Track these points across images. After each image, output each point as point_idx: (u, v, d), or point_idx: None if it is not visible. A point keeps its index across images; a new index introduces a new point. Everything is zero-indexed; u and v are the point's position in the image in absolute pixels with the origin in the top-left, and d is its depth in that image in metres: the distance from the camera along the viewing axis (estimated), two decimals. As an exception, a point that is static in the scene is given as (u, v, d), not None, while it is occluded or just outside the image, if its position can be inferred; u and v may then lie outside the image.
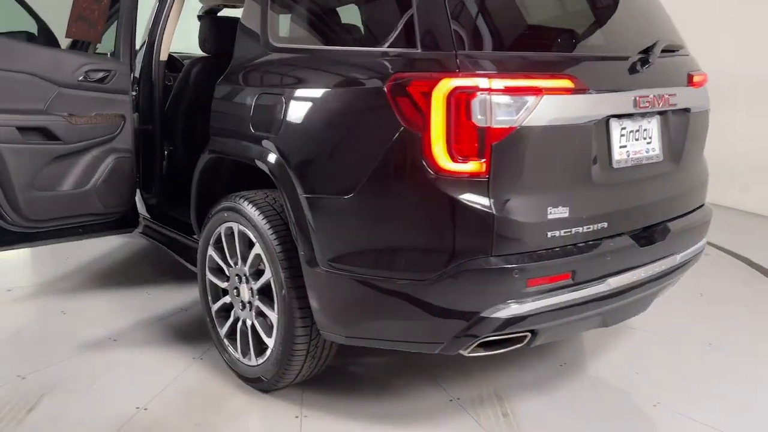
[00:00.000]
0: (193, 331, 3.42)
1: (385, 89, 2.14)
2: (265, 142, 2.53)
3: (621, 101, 2.32)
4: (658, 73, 2.50)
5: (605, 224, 2.29)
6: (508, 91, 2.06)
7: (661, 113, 2.53)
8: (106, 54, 3.52)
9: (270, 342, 2.68)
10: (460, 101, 2.03)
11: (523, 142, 2.10)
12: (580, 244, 2.24)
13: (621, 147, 2.37)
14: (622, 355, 3.21)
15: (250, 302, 2.79)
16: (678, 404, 2.79)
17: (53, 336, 3.37)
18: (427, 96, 2.06)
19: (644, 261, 2.43)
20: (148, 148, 3.70)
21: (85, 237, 3.53)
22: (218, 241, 2.97)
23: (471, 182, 2.08)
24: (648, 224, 2.48)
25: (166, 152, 3.84)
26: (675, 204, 2.62)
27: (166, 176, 3.88)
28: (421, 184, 2.10)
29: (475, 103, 2.03)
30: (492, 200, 2.08)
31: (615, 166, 2.35)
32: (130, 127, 3.45)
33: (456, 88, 2.04)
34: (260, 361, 2.75)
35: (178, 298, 3.84)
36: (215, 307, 3.02)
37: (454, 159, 2.06)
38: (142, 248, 4.76)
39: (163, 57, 3.74)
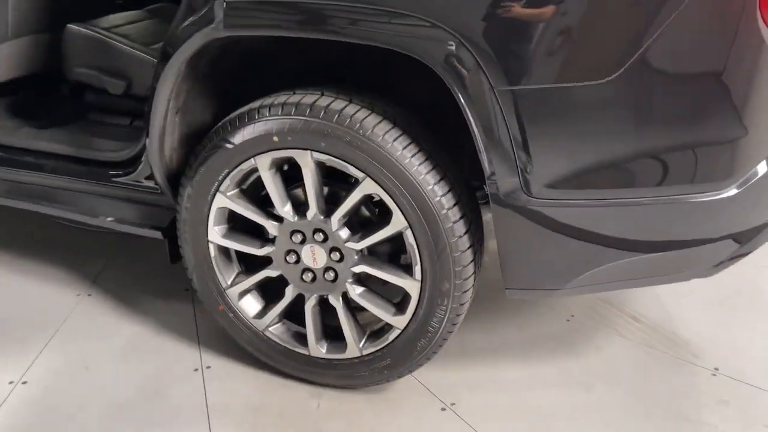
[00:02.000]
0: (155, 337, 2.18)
1: None
2: (407, 10, 1.44)
3: None
4: None
5: None
6: None
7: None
8: None
9: (400, 320, 1.75)
10: None
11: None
12: None
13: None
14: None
15: (332, 269, 1.76)
16: None
17: None
18: None
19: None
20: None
21: None
22: (241, 182, 1.78)
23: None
24: None
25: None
26: None
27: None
28: (746, 50, 1.38)
29: None
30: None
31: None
32: None
33: None
34: (371, 349, 1.81)
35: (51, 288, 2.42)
36: (239, 286, 1.88)
37: None
38: None
39: None
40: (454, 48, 1.42)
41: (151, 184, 1.96)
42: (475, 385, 1.96)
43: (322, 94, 1.65)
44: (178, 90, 1.76)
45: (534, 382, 1.98)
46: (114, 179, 2.03)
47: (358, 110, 1.60)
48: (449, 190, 1.61)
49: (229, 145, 1.70)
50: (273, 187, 1.72)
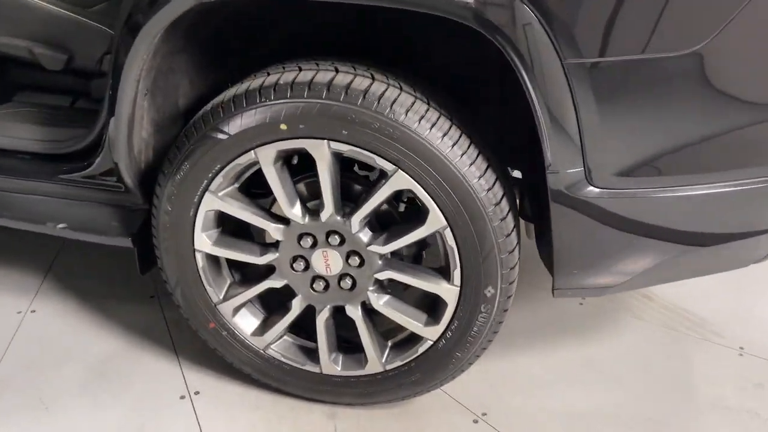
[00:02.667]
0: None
1: None
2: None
3: None
4: None
5: None
6: None
7: None
8: None
9: (433, 331, 1.51)
10: None
11: None
12: None
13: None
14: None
15: (349, 276, 1.50)
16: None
17: None
18: None
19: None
20: None
21: None
22: (236, 179, 1.47)
23: None
24: None
25: None
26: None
27: None
28: None
29: None
30: None
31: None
32: None
33: None
34: (397, 363, 1.57)
35: None
36: (234, 301, 1.58)
37: None
38: None
39: None
40: (518, 13, 1.17)
41: (111, 180, 1.62)
42: (503, 389, 1.77)
43: (337, 71, 1.36)
44: (149, 67, 1.42)
45: (562, 379, 1.82)
46: (62, 176, 1.66)
47: (386, 89, 1.32)
48: (495, 182, 1.38)
49: (221, 136, 1.39)
50: (279, 184, 1.42)
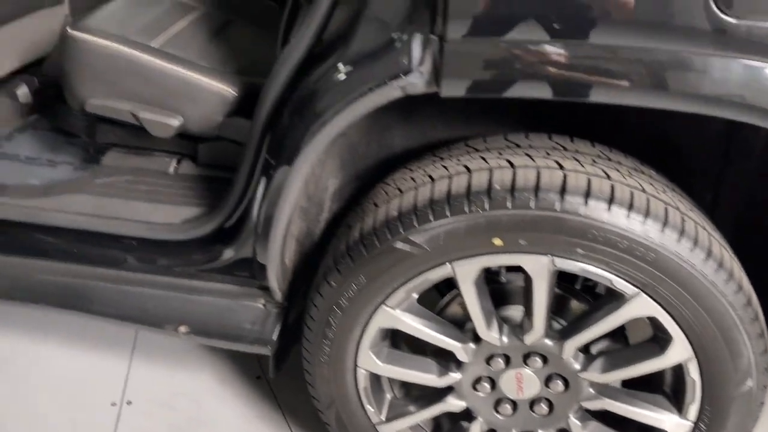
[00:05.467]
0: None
1: None
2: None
3: None
4: None
5: None
6: None
7: None
8: None
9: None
10: None
11: None
12: None
13: None
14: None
15: (546, 401, 1.23)
16: None
17: None
18: None
19: None
20: None
21: None
22: (418, 293, 1.19)
23: None
24: None
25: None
26: None
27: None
28: None
29: None
30: None
31: None
32: None
33: None
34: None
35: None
36: (400, 423, 1.31)
37: None
38: None
39: None
40: None
41: (243, 274, 1.34)
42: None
43: (563, 168, 1.07)
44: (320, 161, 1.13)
45: None
46: (177, 269, 1.38)
47: (632, 196, 1.04)
48: (751, 294, 1.11)
49: (414, 250, 1.10)
50: (477, 303, 1.15)
